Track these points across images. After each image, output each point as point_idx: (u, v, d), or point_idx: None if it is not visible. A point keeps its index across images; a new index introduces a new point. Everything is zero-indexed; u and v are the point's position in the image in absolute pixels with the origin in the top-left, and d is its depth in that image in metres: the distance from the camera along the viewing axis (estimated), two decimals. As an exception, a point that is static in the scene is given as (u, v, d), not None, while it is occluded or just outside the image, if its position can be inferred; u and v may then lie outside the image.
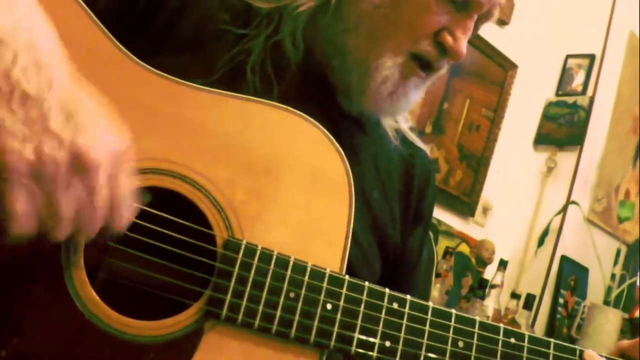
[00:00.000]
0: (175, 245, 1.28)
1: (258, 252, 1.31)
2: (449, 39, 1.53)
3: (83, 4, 1.29)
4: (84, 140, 1.06)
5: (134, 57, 1.32)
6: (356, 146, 1.65)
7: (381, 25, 1.52)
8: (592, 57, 5.06)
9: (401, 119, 1.77)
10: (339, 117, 1.61)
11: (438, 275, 4.03)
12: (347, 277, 1.36)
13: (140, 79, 1.32)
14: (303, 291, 1.32)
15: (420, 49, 1.53)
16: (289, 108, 1.39)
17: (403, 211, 1.75)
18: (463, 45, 1.55)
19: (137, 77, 1.31)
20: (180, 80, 1.34)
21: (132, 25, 1.47)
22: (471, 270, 4.50)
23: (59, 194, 1.05)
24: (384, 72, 1.52)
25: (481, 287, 4.08)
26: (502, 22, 4.70)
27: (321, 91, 1.60)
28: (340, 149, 1.41)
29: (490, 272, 4.36)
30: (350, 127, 1.65)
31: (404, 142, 1.77)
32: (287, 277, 1.32)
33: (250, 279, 1.30)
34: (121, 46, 1.31)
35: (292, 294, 1.32)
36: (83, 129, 1.07)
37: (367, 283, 1.37)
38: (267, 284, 1.30)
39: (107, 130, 1.11)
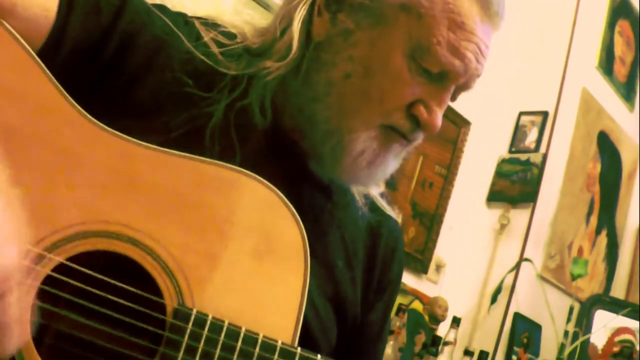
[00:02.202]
0: (124, 312, 1.24)
1: (208, 322, 1.28)
2: (423, 112, 1.48)
3: (37, 58, 1.26)
4: None
5: (87, 114, 1.29)
6: (322, 214, 1.62)
7: (351, 96, 1.48)
8: (545, 114, 5.10)
9: None
10: (305, 184, 1.57)
11: (391, 332, 4.00)
12: (298, 349, 1.33)
13: (92, 136, 1.29)
14: (253, 363, 1.30)
15: (393, 121, 1.48)
16: (243, 170, 1.36)
17: (365, 282, 1.69)
18: (438, 119, 1.50)
19: (89, 134, 1.29)
20: (134, 140, 1.31)
21: (92, 84, 1.42)
22: (424, 327, 4.47)
23: None
24: (358, 146, 1.48)
25: (434, 344, 4.06)
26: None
27: (289, 157, 1.56)
28: (296, 214, 1.38)
29: (443, 329, 4.34)
30: (317, 195, 1.61)
31: (372, 209, 1.72)
32: (237, 348, 1.29)
33: (199, 350, 1.27)
34: (74, 102, 1.28)
35: (242, 366, 1.29)
36: None
37: (319, 356, 1.34)
38: (217, 355, 1.27)
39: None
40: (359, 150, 1.49)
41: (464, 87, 1.54)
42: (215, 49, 1.53)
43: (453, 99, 1.56)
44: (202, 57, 1.51)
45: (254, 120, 1.53)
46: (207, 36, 1.55)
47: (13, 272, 1.06)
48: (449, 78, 1.49)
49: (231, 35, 1.59)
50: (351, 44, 1.49)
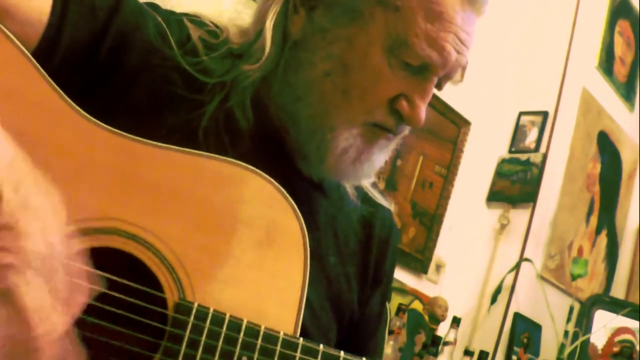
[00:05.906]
0: (125, 308, 1.24)
1: (210, 314, 1.27)
2: (405, 106, 1.46)
3: (32, 58, 1.25)
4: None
5: (83, 112, 1.28)
6: (315, 210, 1.60)
7: (332, 94, 1.46)
8: (545, 114, 5.09)
9: None
10: (297, 181, 1.55)
11: (391, 332, 4.00)
12: (301, 339, 1.33)
13: (88, 133, 1.28)
14: (256, 355, 1.29)
15: (376, 118, 1.47)
16: (241, 163, 1.36)
17: (360, 275, 1.68)
18: (421, 112, 1.47)
19: (85, 131, 1.28)
20: (130, 136, 1.31)
21: (89, 85, 1.41)
22: (424, 327, 4.47)
23: None
24: (341, 144, 1.47)
25: (434, 344, 4.05)
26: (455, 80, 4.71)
27: (278, 156, 1.54)
28: (295, 205, 1.38)
29: (443, 329, 4.34)
30: (309, 191, 1.59)
31: (364, 200, 1.70)
32: (240, 340, 1.28)
33: (202, 343, 1.26)
34: (70, 101, 1.27)
35: (244, 358, 1.28)
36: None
37: (321, 346, 1.34)
38: (219, 347, 1.27)
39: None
40: (343, 147, 1.47)
41: (447, 77, 1.51)
42: (202, 53, 1.52)
43: (439, 87, 1.53)
44: (186, 67, 1.49)
45: (240, 123, 1.51)
46: (195, 35, 1.54)
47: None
48: (430, 70, 1.46)
49: (216, 34, 1.58)
50: (329, 42, 1.48)
